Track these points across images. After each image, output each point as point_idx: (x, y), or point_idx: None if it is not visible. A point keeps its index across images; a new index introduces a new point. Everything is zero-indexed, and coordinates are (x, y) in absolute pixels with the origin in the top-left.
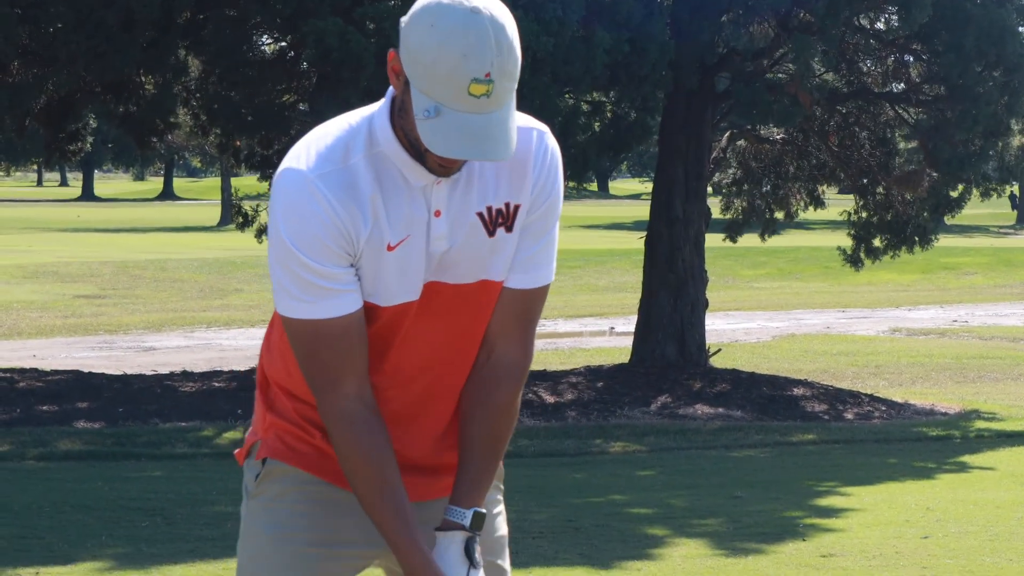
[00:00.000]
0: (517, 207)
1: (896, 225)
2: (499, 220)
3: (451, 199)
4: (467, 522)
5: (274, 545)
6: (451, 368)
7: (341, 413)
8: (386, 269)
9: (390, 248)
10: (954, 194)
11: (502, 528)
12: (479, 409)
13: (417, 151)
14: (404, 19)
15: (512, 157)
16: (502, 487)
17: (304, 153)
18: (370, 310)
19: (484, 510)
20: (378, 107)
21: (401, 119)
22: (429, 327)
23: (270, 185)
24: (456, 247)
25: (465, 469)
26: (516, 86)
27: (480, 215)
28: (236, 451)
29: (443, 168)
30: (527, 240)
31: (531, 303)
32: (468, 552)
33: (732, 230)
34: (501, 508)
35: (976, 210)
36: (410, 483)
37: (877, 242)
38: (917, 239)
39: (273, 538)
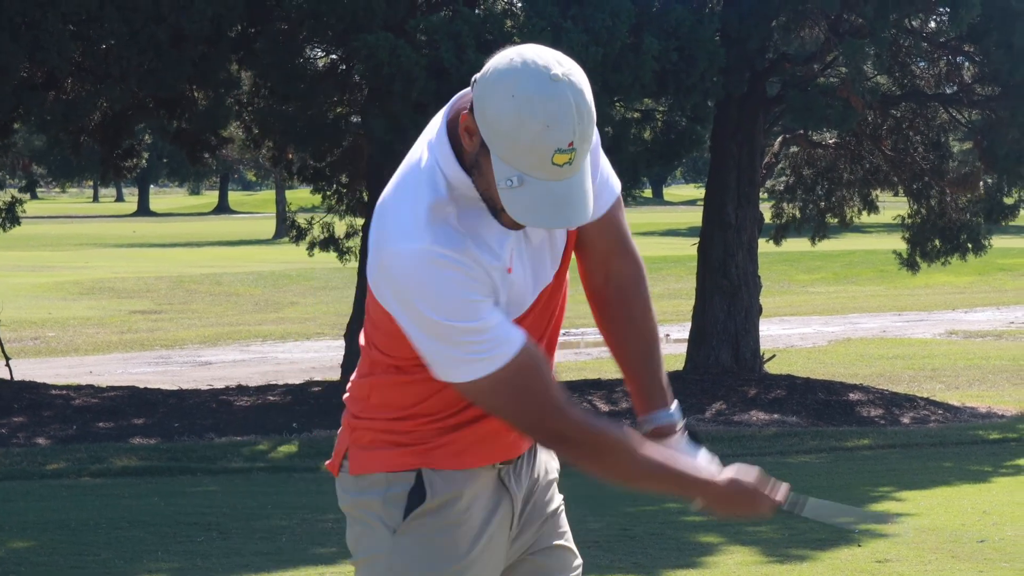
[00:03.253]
0: None
1: (949, 232)
2: None
3: None
4: (678, 415)
5: None
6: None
7: (584, 422)
8: (513, 290)
9: (509, 271)
10: (1009, 200)
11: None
12: (627, 326)
13: (491, 207)
14: (478, 80)
15: None
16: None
17: (401, 226)
18: None
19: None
20: (437, 148)
21: (474, 176)
22: (544, 326)
23: (377, 264)
24: (548, 239)
25: (645, 378)
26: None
27: None
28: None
29: (517, 225)
30: (592, 169)
31: (619, 213)
32: (693, 437)
33: (778, 233)
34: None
35: None
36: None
37: (932, 246)
38: (971, 246)
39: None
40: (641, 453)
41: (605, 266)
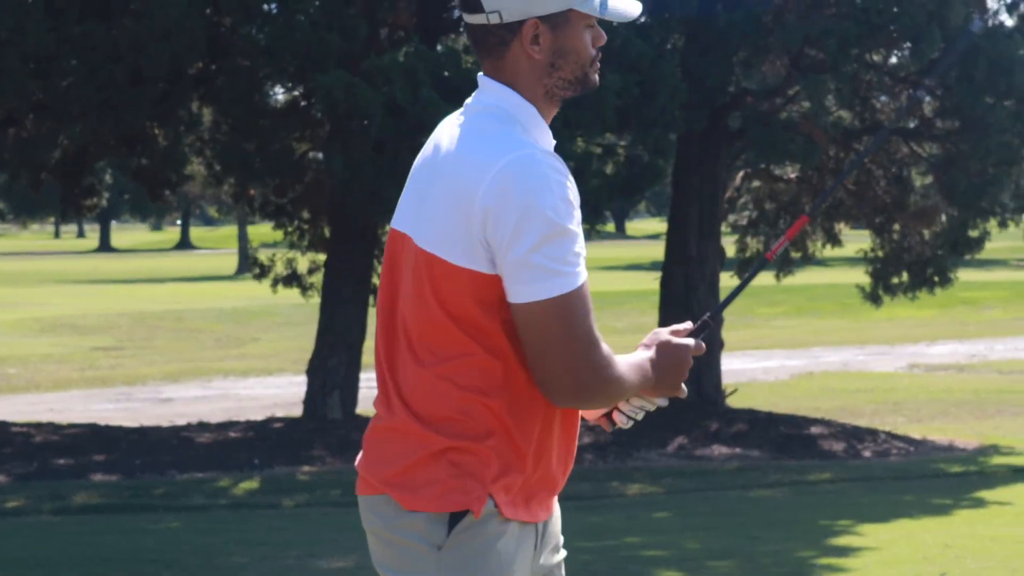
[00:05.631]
0: None
1: (916, 266)
2: None
3: None
4: None
5: None
6: None
7: (608, 358)
8: None
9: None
10: (973, 234)
11: None
12: None
13: (581, 77)
14: None
15: None
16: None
17: (505, 140)
18: None
19: None
20: (507, 121)
21: (560, 69)
22: None
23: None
24: None
25: None
26: None
27: None
28: (473, 502)
29: (595, 77)
30: None
31: None
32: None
33: (741, 269)
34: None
35: (994, 243)
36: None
37: (896, 279)
38: (936, 279)
39: None
40: (619, 364)
41: None
